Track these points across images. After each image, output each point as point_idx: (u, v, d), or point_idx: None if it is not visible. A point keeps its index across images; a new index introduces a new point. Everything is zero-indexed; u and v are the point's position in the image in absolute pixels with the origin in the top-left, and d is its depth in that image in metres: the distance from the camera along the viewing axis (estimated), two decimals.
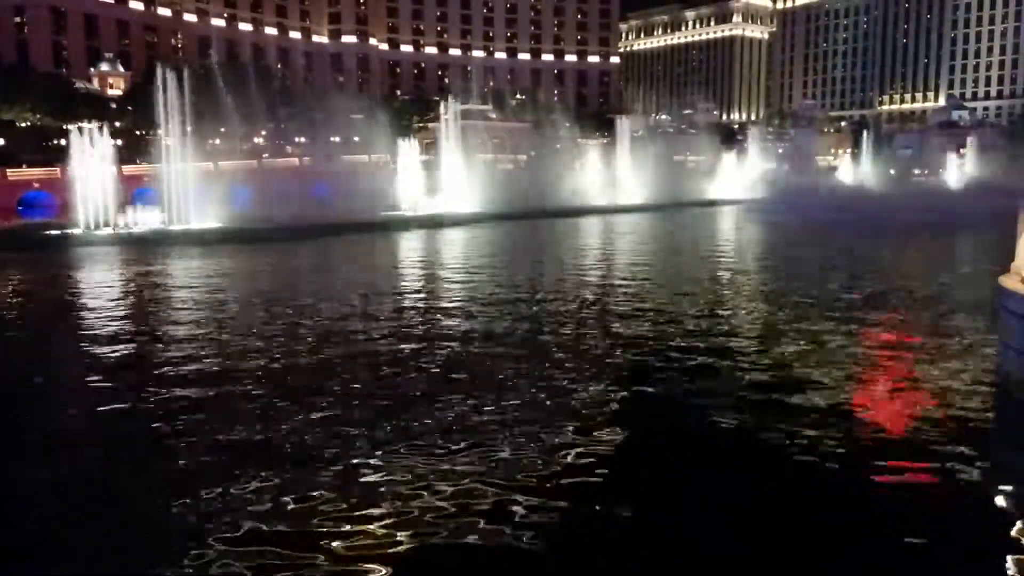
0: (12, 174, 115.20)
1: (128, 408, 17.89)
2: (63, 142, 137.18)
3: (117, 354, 23.25)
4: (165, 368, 21.12)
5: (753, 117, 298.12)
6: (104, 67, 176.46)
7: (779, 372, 20.62)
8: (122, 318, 29.62)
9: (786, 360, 21.86)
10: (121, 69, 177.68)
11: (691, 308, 30.19)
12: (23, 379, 21.15)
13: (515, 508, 12.45)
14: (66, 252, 53.63)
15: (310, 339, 24.74)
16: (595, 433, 15.83)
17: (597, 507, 12.68)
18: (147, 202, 71.51)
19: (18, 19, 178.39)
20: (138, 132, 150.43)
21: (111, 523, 12.52)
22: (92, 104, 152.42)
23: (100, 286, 38.50)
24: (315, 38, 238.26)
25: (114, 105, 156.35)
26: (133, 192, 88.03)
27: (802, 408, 17.53)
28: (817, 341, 24.42)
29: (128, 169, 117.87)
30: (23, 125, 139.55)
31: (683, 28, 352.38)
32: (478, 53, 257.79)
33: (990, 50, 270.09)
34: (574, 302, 31.90)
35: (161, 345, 24.12)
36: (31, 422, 17.16)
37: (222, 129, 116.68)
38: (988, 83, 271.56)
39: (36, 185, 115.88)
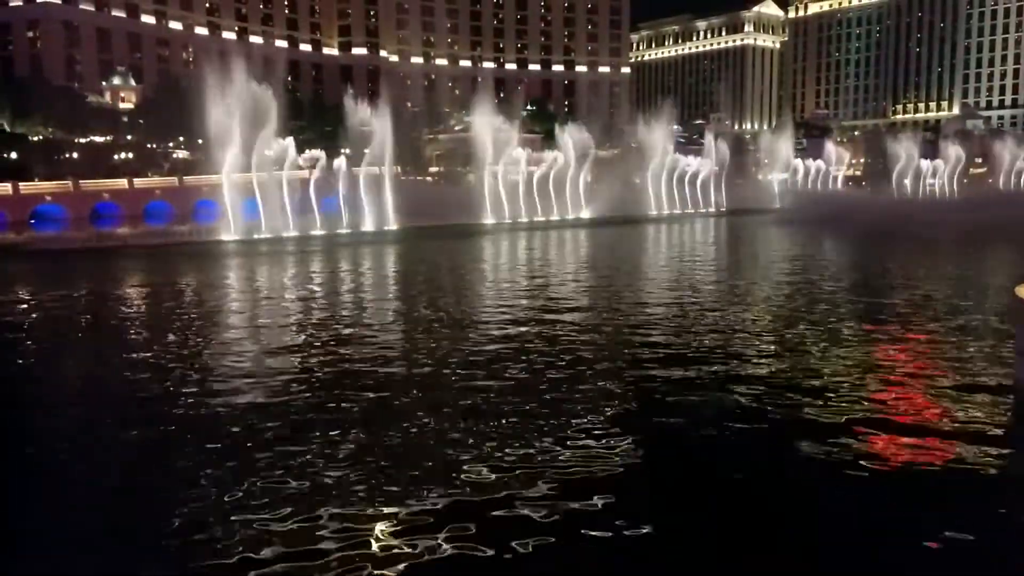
0: (25, 187, 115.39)
1: None
2: (75, 155, 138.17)
3: None
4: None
5: (765, 127, 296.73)
6: (116, 80, 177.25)
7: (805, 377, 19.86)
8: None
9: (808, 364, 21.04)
10: (133, 82, 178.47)
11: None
12: None
13: None
14: None
15: None
16: None
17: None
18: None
19: (32, 33, 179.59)
20: (149, 145, 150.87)
21: None
22: (104, 117, 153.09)
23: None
24: (325, 50, 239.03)
25: (126, 118, 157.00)
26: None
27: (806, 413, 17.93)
28: (841, 347, 25.10)
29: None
30: (35, 139, 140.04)
31: (694, 38, 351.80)
32: (488, 64, 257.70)
33: (1004, 59, 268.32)
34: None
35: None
36: None
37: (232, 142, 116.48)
38: (1003, 92, 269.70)
39: (48, 198, 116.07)
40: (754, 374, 21.63)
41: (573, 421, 17.32)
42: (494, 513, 12.76)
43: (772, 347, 25.37)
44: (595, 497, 13.30)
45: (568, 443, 15.87)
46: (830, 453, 15.39)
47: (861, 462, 14.99)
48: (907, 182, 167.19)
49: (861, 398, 19.22)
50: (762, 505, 13.49)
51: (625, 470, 14.69)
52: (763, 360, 23.48)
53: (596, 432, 16.57)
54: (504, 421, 17.39)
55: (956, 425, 16.99)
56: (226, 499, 13.38)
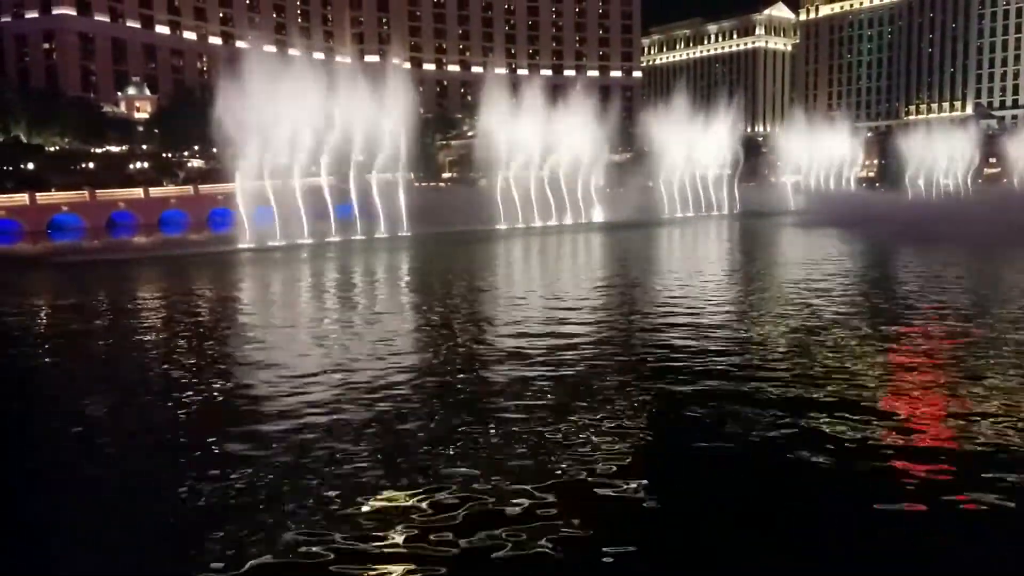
0: (42, 198, 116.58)
1: None
2: (91, 165, 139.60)
3: None
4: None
5: (778, 129, 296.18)
6: (131, 91, 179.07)
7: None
8: None
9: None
10: (148, 92, 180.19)
11: None
12: None
13: None
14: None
15: None
16: None
17: None
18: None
19: (48, 45, 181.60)
20: (164, 154, 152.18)
21: None
22: (119, 127, 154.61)
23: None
24: (339, 58, 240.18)
25: (141, 128, 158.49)
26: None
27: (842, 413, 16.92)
28: (883, 346, 24.45)
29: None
30: (52, 149, 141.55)
31: (705, 41, 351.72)
32: (500, 70, 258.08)
33: (1017, 58, 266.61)
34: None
35: None
36: None
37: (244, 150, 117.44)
38: (1016, 91, 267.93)
39: (65, 208, 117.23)
40: None
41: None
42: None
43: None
44: None
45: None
46: None
47: None
48: (921, 183, 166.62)
49: None
50: None
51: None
52: None
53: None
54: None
55: None
56: None
